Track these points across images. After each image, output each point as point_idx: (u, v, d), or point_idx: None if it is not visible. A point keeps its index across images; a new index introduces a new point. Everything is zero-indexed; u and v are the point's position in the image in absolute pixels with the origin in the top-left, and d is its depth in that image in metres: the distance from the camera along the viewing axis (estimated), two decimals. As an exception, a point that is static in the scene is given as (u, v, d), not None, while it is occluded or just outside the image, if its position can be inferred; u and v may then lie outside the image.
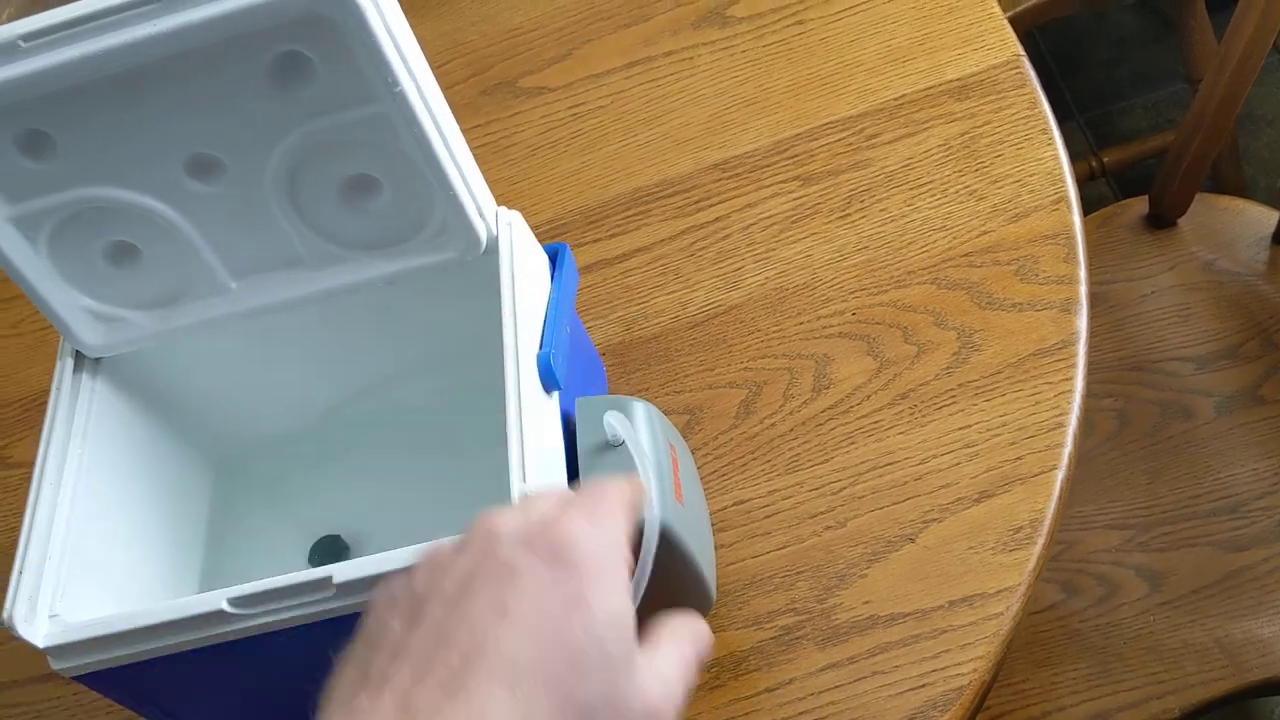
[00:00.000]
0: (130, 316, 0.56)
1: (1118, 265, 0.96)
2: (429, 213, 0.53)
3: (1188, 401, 0.89)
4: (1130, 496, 0.85)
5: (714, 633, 0.57)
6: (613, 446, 0.51)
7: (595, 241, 0.73)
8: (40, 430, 0.54)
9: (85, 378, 0.57)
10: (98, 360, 0.57)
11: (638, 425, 0.50)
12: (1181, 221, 0.97)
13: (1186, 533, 0.83)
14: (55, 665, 0.50)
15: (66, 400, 0.56)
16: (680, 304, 0.68)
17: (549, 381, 0.51)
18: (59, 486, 0.53)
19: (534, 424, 0.49)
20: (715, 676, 0.56)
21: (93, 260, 0.54)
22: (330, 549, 0.61)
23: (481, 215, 0.53)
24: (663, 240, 0.71)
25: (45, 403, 0.78)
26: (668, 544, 0.50)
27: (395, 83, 0.47)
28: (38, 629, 0.50)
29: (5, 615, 0.49)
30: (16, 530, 0.72)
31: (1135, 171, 1.42)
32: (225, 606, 0.48)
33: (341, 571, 0.48)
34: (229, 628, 0.49)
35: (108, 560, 0.55)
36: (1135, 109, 1.58)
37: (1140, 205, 0.98)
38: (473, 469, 0.61)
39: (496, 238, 0.54)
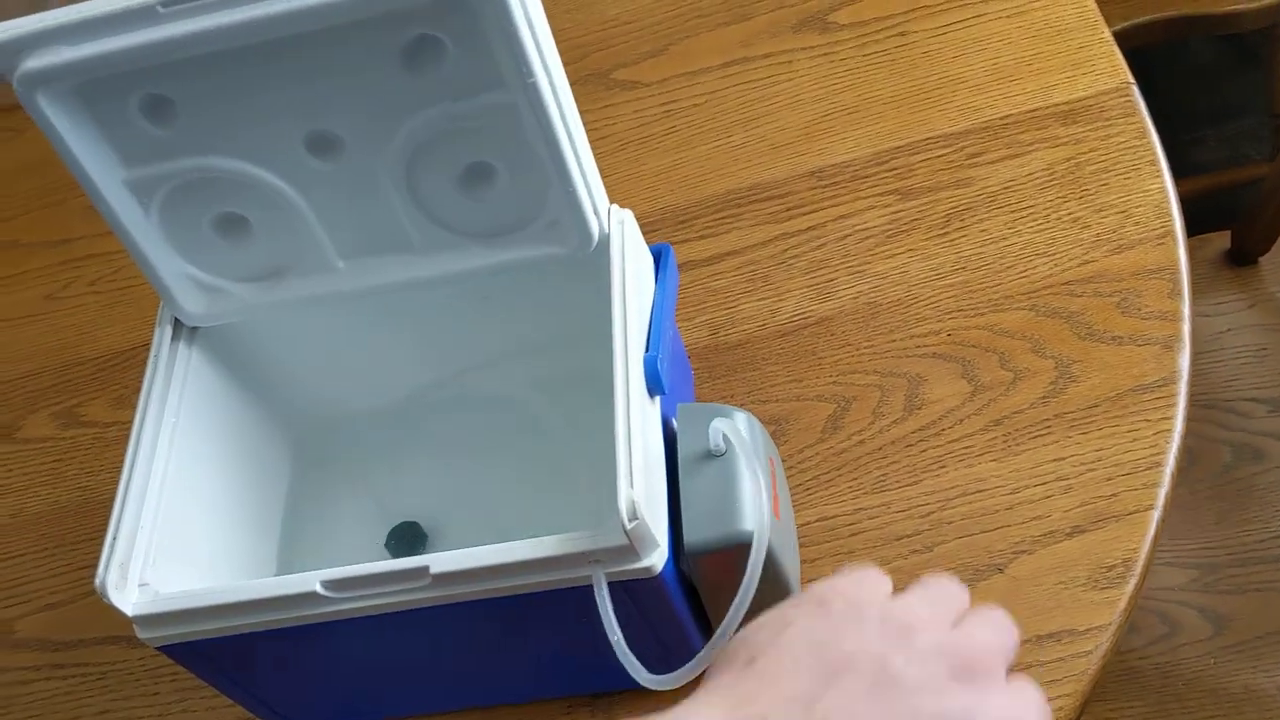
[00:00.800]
0: (233, 288, 0.55)
1: (1196, 300, 0.95)
2: (544, 205, 0.52)
3: (1260, 444, 0.87)
4: (1197, 536, 0.84)
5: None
6: (715, 456, 0.50)
7: (685, 241, 0.72)
8: (136, 394, 0.54)
9: (182, 346, 0.56)
10: (194, 329, 0.57)
11: (744, 437, 0.50)
12: (1263, 260, 0.95)
13: (1253, 577, 0.82)
14: (142, 634, 0.50)
15: (164, 368, 0.55)
16: (769, 311, 0.68)
17: (655, 385, 0.50)
18: (153, 455, 0.53)
19: (639, 428, 0.48)
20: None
21: (201, 229, 0.53)
22: (408, 536, 0.61)
23: (596, 212, 0.52)
24: (754, 245, 0.71)
25: (120, 363, 0.78)
26: (765, 561, 0.49)
27: (530, 73, 0.47)
28: (128, 597, 0.50)
29: (98, 582, 0.49)
30: (90, 489, 0.73)
31: (1206, 203, 1.40)
32: (318, 589, 0.48)
33: (439, 562, 0.47)
34: (320, 609, 0.49)
35: (193, 532, 0.55)
36: (1208, 140, 1.56)
37: (1222, 241, 0.97)
38: (555, 463, 0.61)
39: (608, 235, 0.53)
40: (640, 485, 0.46)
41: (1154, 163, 0.68)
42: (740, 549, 0.49)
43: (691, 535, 0.48)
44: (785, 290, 0.68)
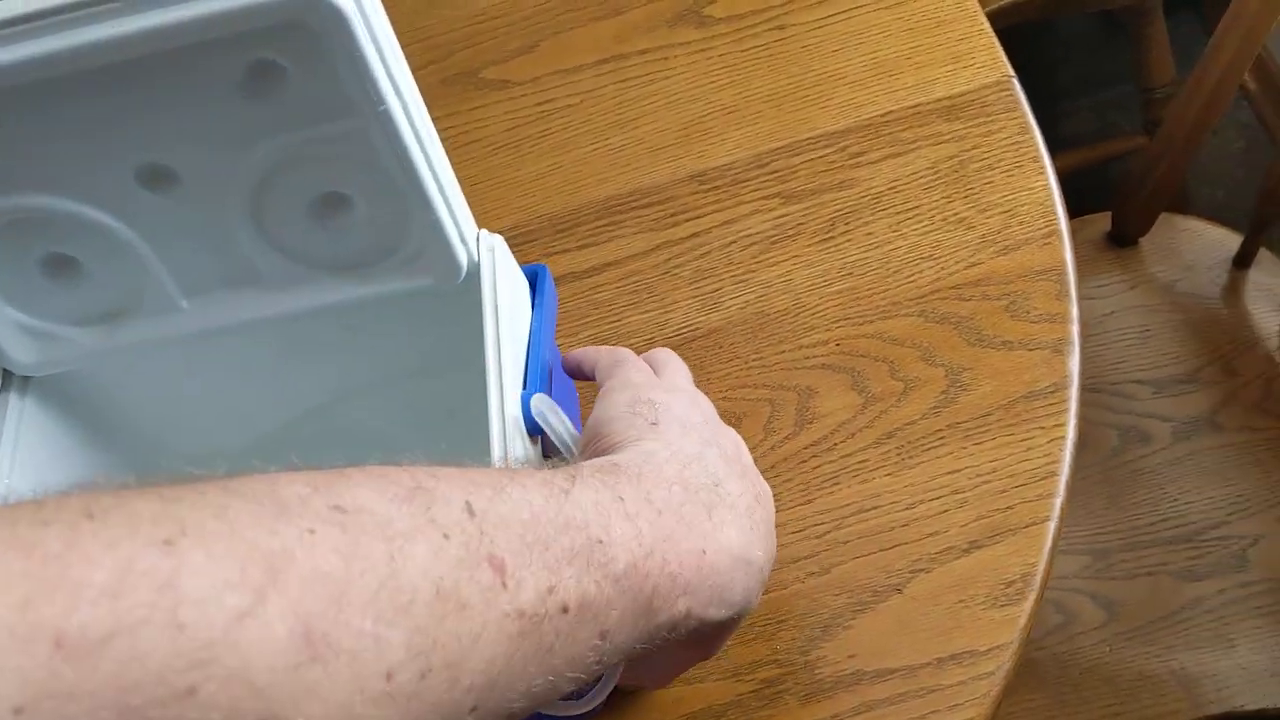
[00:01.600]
0: (68, 334, 0.51)
1: (1080, 283, 0.95)
2: (406, 235, 0.49)
3: (1146, 426, 0.88)
4: (1087, 521, 0.85)
5: (691, 684, 0.54)
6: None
7: (564, 252, 0.69)
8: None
9: (13, 397, 0.52)
10: (25, 378, 0.52)
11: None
12: (1143, 241, 0.96)
13: (1143, 561, 0.82)
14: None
15: (-9, 424, 0.51)
16: (656, 325, 0.65)
17: (533, 426, 0.47)
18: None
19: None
20: (691, 730, 0.53)
21: (27, 272, 0.49)
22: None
23: (463, 240, 0.49)
24: (637, 254, 0.68)
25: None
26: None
27: (380, 100, 0.43)
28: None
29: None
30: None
31: (1083, 181, 1.42)
32: None
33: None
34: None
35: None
36: (1081, 111, 1.58)
37: (1102, 222, 0.97)
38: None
39: (478, 263, 0.50)
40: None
41: (1037, 159, 0.67)
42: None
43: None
44: (671, 301, 0.66)
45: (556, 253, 0.69)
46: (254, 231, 0.48)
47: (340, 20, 0.40)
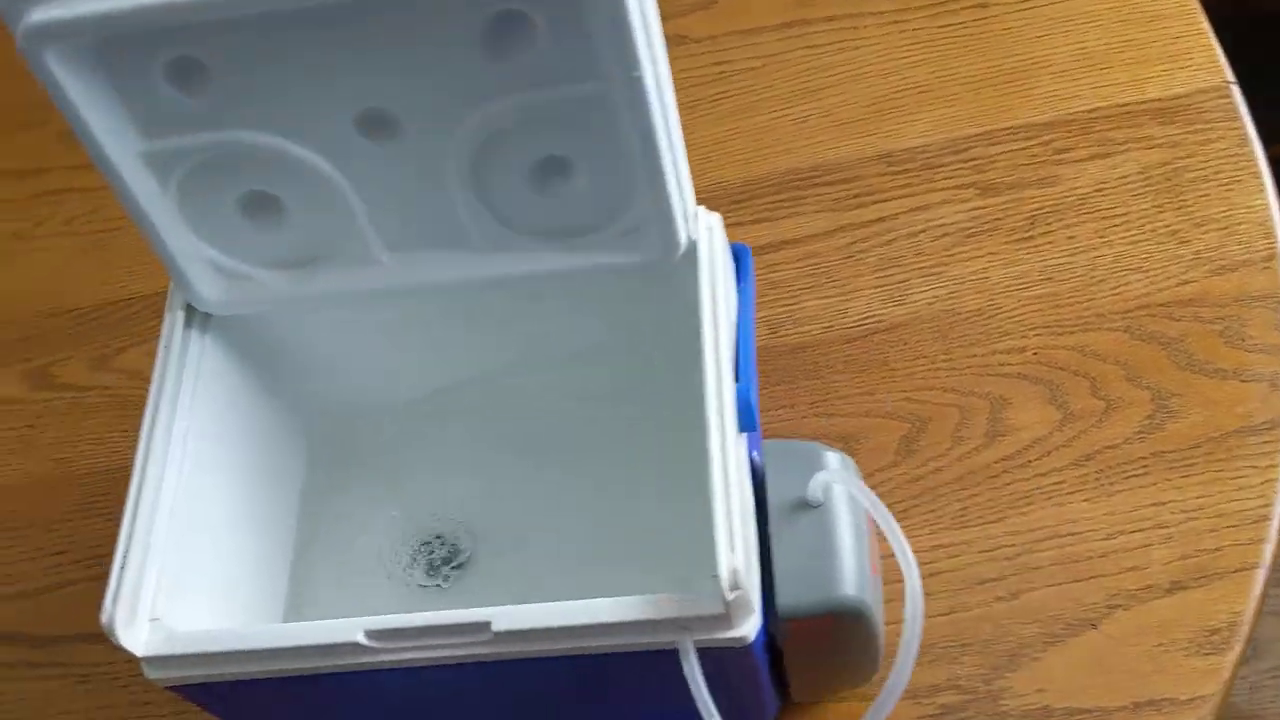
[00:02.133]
0: (260, 276, 0.48)
1: None
2: (625, 207, 0.46)
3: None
4: None
5: (865, 701, 0.52)
6: (810, 507, 0.45)
7: (738, 225, 0.66)
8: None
9: (194, 334, 0.49)
10: (207, 315, 0.50)
11: (843, 491, 0.44)
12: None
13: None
14: (151, 674, 0.44)
15: (175, 361, 0.48)
16: (836, 312, 0.62)
17: (746, 421, 0.45)
18: (164, 464, 0.46)
19: (736, 477, 0.42)
20: (860, 747, 0.51)
21: (226, 210, 0.46)
22: (438, 551, 0.55)
23: (685, 217, 0.46)
24: (817, 235, 0.65)
25: (98, 319, 0.71)
26: (861, 622, 0.44)
27: (635, 66, 0.40)
28: (138, 635, 0.43)
29: (105, 619, 0.43)
30: (66, 461, 0.66)
31: None
32: (361, 638, 0.42)
33: (502, 618, 0.42)
34: (361, 659, 0.43)
35: (204, 550, 0.48)
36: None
37: None
38: (602, 482, 0.56)
39: (695, 242, 0.47)
40: (740, 548, 0.41)
41: (1257, 175, 0.62)
42: (836, 615, 0.44)
43: (785, 598, 0.43)
44: (853, 289, 0.62)
45: (730, 225, 0.65)
46: (469, 191, 0.45)
47: (614, -23, 0.37)
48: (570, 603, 0.42)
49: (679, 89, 0.72)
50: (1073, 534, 0.54)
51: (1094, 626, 0.52)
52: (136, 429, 0.46)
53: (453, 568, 0.55)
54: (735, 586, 0.40)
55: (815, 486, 0.44)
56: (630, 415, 0.56)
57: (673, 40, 0.73)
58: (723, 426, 0.43)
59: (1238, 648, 0.50)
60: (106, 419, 0.66)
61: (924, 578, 0.53)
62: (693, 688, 0.41)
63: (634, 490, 0.54)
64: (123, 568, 0.44)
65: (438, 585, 0.55)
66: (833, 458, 0.46)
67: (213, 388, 0.49)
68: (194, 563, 0.47)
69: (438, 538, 0.56)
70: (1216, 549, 0.52)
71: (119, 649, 0.43)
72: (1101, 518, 0.54)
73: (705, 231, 0.47)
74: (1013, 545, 0.54)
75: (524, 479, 0.56)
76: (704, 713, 0.41)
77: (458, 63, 0.41)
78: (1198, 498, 0.54)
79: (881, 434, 0.58)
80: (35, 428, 0.67)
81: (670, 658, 0.42)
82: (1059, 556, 0.53)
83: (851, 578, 0.43)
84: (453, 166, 0.44)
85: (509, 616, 0.42)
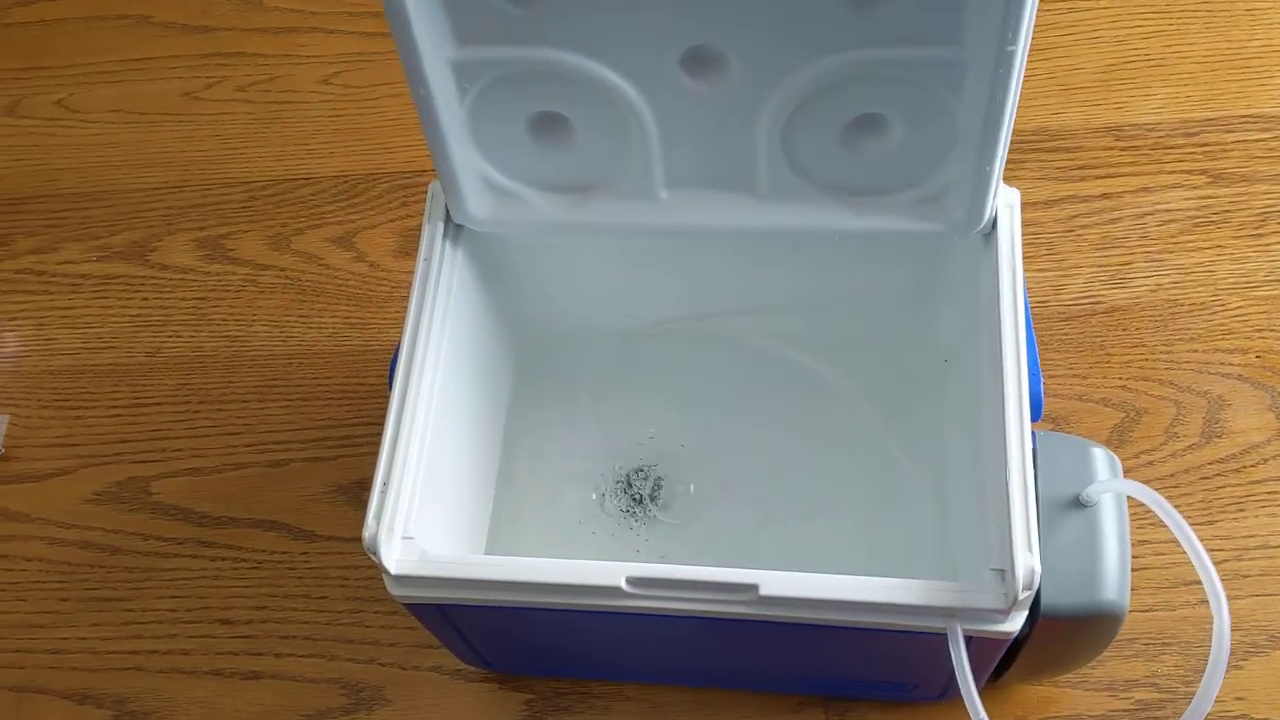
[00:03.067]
0: (531, 197, 0.46)
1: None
2: (934, 172, 0.44)
3: None
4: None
5: (1062, 687, 0.52)
6: (1082, 506, 0.44)
7: (952, 181, 0.64)
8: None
9: (448, 245, 0.48)
10: (459, 227, 0.48)
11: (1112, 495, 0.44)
12: None
13: None
14: (396, 592, 0.44)
15: (435, 273, 0.47)
16: (1053, 287, 0.60)
17: (1037, 414, 0.44)
18: (420, 382, 0.45)
19: (1030, 474, 0.41)
20: (1051, 731, 0.51)
21: (515, 127, 0.44)
22: (641, 485, 0.54)
23: (995, 192, 0.44)
24: (1038, 203, 0.63)
25: (276, 195, 0.69)
26: (1115, 627, 0.44)
27: (1012, 40, 0.38)
28: (393, 552, 0.43)
29: (368, 535, 0.42)
30: (239, 340, 0.65)
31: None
32: (623, 584, 0.42)
33: (770, 584, 0.41)
34: (618, 602, 0.42)
35: (443, 465, 0.47)
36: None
37: None
38: (802, 425, 0.55)
39: (994, 218, 0.45)
40: (1036, 548, 0.40)
41: None
42: (1096, 618, 0.43)
43: (1050, 597, 0.43)
44: (1073, 265, 0.61)
45: (943, 180, 0.64)
46: (776, 139, 0.43)
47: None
48: (840, 577, 0.41)
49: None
50: (1287, 547, 0.53)
51: (1303, 643, 0.52)
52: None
53: (655, 503, 0.54)
54: (1029, 586, 0.39)
55: (1094, 490, 0.43)
56: (849, 379, 0.55)
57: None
58: (1021, 420, 0.42)
59: None
60: (282, 301, 0.65)
61: (1133, 571, 0.53)
62: (958, 672, 0.41)
63: (842, 454, 0.54)
64: (385, 485, 0.43)
65: (639, 515, 0.54)
66: (1100, 454, 0.45)
67: (460, 305, 0.48)
68: (435, 481, 0.46)
69: (638, 470, 0.55)
70: None
71: (374, 562, 0.42)
72: (1317, 534, 0.54)
73: (1006, 210, 0.46)
74: (1221, 550, 0.54)
75: (734, 422, 0.55)
76: (966, 698, 0.41)
77: (818, 11, 0.39)
78: None
79: (1093, 419, 0.57)
80: (208, 300, 0.66)
81: (921, 637, 0.41)
82: (1269, 567, 0.53)
83: (1115, 584, 0.43)
84: (768, 112, 0.42)
85: (775, 583, 0.41)
